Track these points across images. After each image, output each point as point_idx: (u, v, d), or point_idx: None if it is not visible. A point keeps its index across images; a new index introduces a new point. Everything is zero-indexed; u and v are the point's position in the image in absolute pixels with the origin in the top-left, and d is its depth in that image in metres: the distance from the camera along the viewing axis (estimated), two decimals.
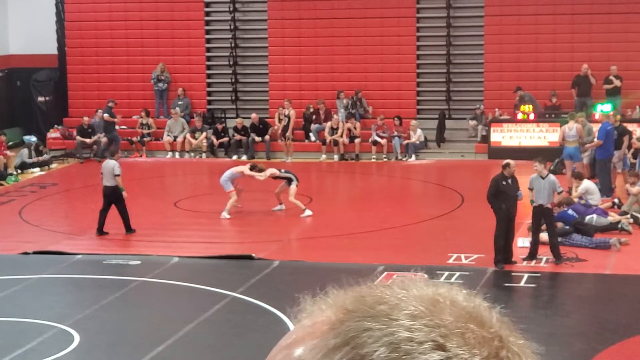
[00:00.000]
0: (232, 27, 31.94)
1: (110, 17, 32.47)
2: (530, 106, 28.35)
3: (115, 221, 19.95)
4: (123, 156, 29.80)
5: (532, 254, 17.48)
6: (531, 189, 17.62)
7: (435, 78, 31.16)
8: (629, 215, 20.37)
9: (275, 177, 22.01)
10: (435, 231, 20.20)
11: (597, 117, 25.86)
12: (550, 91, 29.32)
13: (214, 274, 17.29)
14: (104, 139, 30.11)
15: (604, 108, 26.55)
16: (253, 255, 18.25)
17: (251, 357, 12.73)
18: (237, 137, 30.31)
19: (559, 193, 17.86)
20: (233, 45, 31.97)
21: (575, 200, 20.43)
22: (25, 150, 28.94)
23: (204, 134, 30.51)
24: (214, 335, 14.24)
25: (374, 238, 19.65)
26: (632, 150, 25.30)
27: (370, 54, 30.77)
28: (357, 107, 30.58)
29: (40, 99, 33.13)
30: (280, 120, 30.29)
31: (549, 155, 24.27)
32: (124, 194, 19.78)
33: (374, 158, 29.44)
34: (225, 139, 30.50)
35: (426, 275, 16.06)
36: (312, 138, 30.37)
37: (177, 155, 30.61)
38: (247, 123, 30.34)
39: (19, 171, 28.01)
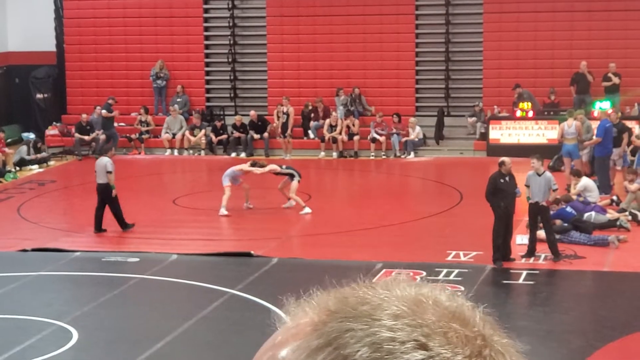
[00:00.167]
0: (230, 24, 31.93)
1: (109, 14, 32.46)
2: (529, 103, 28.35)
3: (113, 218, 19.94)
4: (122, 153, 29.89)
5: (531, 252, 17.48)
6: (527, 186, 17.64)
7: (434, 75, 31.17)
8: (627, 213, 20.37)
9: (277, 174, 22.00)
10: (434, 228, 20.21)
11: (596, 114, 25.87)
12: (549, 88, 29.32)
13: (213, 271, 17.29)
14: (102, 136, 30.10)
15: (602, 105, 26.56)
16: (252, 252, 18.24)
17: (250, 355, 12.55)
18: (236, 134, 30.30)
19: (554, 191, 17.86)
20: (232, 42, 31.96)
21: (574, 197, 20.43)
22: (23, 148, 28.93)
23: (203, 131, 30.50)
24: (212, 332, 14.23)
25: (372, 235, 19.65)
26: (631, 147, 25.30)
27: (369, 51, 30.77)
28: (356, 105, 30.58)
29: (39, 96, 33.12)
30: (278, 117, 30.29)
31: (548, 153, 24.29)
32: (114, 192, 19.69)
33: (372, 155, 29.45)
34: (224, 136, 30.50)
35: (424, 273, 16.10)
36: (311, 135, 30.38)
37: (175, 152, 30.60)
38: (246, 120, 30.33)
39: (18, 168, 27.99)
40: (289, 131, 30.02)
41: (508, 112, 28.87)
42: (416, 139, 29.34)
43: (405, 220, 20.98)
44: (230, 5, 31.80)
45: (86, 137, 30.37)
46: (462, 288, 15.21)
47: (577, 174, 21.64)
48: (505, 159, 17.51)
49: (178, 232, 20.23)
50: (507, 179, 17.23)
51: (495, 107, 29.33)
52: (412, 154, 29.19)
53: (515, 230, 18.00)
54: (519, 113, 28.32)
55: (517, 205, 17.77)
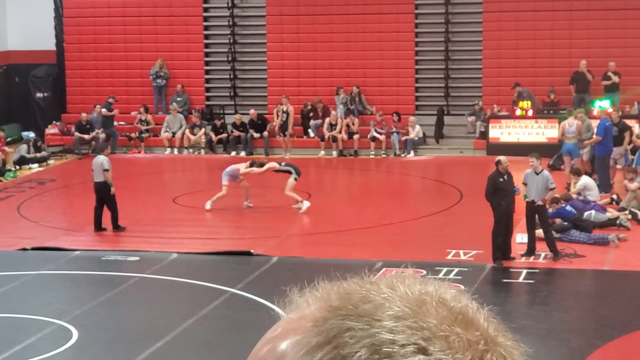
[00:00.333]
0: (230, 23, 31.92)
1: (109, 12, 32.45)
2: (529, 102, 28.34)
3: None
4: (122, 152, 29.90)
5: (531, 250, 17.49)
6: (525, 184, 17.64)
7: (433, 74, 31.16)
8: (627, 211, 20.38)
9: (276, 171, 21.99)
10: (433, 227, 20.21)
11: (595, 113, 25.87)
12: (548, 87, 29.31)
13: (213, 270, 17.29)
14: (102, 135, 30.09)
15: (602, 104, 26.55)
16: (252, 251, 18.24)
17: (249, 354, 12.71)
18: (236, 133, 30.29)
19: (551, 189, 17.85)
20: (231, 41, 31.95)
21: (574, 196, 20.43)
22: (23, 146, 28.93)
23: (203, 130, 30.49)
24: (212, 331, 14.23)
25: (372, 234, 19.65)
26: (631, 146, 25.29)
27: (369, 50, 30.76)
28: (356, 103, 30.57)
29: (39, 95, 33.11)
30: (278, 116, 30.28)
31: (547, 152, 24.29)
32: (112, 189, 19.69)
33: (372, 154, 29.44)
34: (224, 135, 30.49)
35: (424, 272, 16.10)
36: (311, 134, 30.38)
37: (175, 151, 30.60)
38: (246, 119, 30.32)
39: (18, 167, 27.99)
40: (289, 130, 30.02)
41: (508, 111, 28.87)
42: (416, 138, 29.34)
43: (405, 219, 20.98)
44: (230, 4, 31.78)
45: (86, 136, 30.36)
46: (462, 287, 15.20)
47: (577, 173, 21.63)
48: (502, 157, 17.53)
49: (178, 231, 20.22)
50: (505, 177, 17.24)
51: (495, 105, 29.33)
52: (412, 152, 29.18)
53: (515, 228, 18.00)
54: (518, 112, 28.31)
55: (517, 203, 17.78)
